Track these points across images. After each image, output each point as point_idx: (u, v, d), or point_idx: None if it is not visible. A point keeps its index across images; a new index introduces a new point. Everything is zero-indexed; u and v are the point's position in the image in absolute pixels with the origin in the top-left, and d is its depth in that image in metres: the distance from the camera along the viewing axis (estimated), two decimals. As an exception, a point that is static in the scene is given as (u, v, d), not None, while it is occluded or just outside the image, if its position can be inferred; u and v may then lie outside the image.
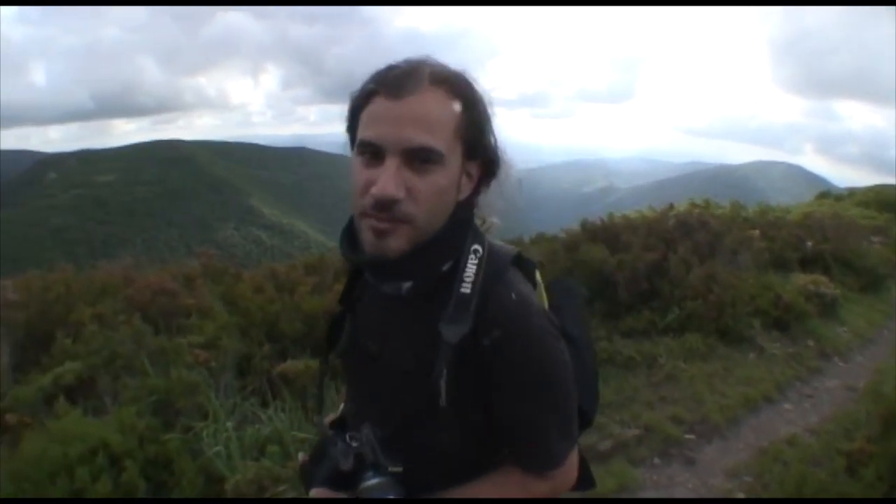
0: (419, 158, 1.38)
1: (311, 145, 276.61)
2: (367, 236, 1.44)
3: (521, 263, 1.59)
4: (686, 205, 14.77)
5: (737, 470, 5.04)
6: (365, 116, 1.45)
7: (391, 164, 1.37)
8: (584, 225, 10.04)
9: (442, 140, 1.39)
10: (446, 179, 1.42)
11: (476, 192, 1.54)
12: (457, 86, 1.45)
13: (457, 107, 1.43)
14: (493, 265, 1.49)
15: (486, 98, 1.51)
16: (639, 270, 8.00)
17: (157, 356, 5.45)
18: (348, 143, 1.53)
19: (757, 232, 11.37)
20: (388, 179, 1.36)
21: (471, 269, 1.47)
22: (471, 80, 1.49)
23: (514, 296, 1.46)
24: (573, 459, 1.58)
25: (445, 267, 1.49)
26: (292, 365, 5.41)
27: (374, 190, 1.37)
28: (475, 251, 1.49)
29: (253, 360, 5.69)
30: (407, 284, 1.49)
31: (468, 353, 1.41)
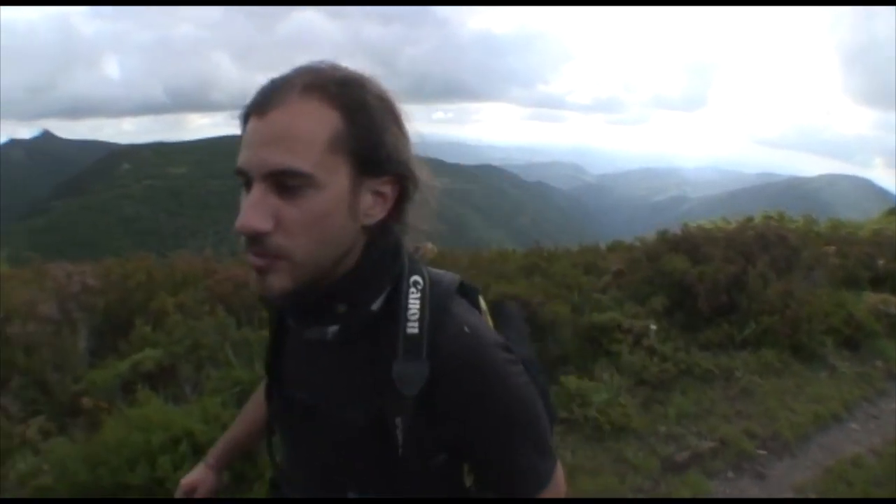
0: (284, 183, 1.21)
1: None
2: (252, 275, 1.31)
3: (465, 291, 1.47)
4: (760, 217, 14.60)
5: (804, 487, 5.04)
6: (242, 141, 1.30)
7: (255, 191, 1.22)
8: (665, 234, 9.96)
9: (309, 158, 1.21)
10: (325, 204, 1.23)
11: (395, 214, 1.35)
12: (337, 92, 1.25)
13: (334, 117, 1.23)
14: (437, 297, 1.35)
15: (388, 103, 1.32)
16: (719, 283, 7.92)
17: (240, 347, 5.56)
18: None
19: (832, 248, 11.29)
20: (248, 209, 1.21)
21: (414, 304, 1.32)
22: (365, 83, 1.29)
23: (466, 329, 1.33)
24: (559, 471, 1.46)
25: (375, 305, 1.34)
26: None
27: (236, 223, 1.23)
28: (415, 283, 1.35)
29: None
30: (332, 329, 1.35)
31: (425, 396, 1.27)
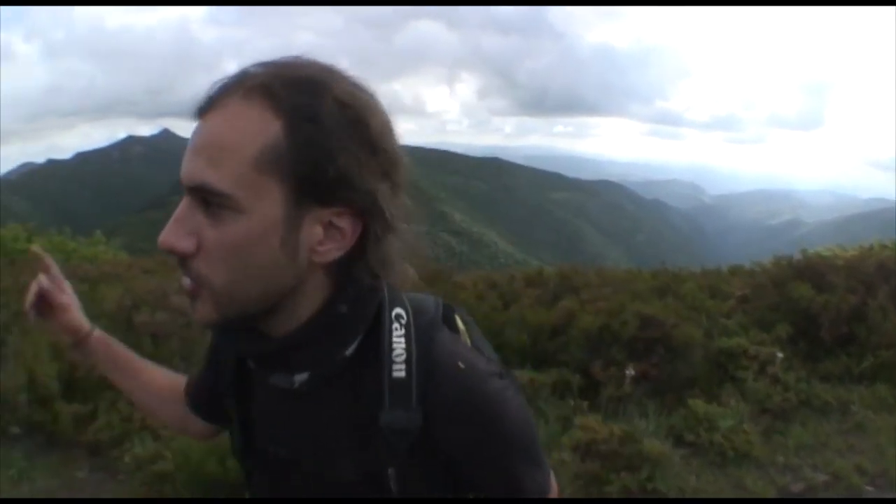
0: (207, 200, 1.03)
1: (505, 157, 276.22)
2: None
3: (444, 314, 1.29)
4: (876, 245, 14.13)
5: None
6: None
7: (182, 205, 1.06)
8: (787, 261, 9.66)
9: (229, 175, 1.01)
10: (246, 231, 1.03)
11: (357, 253, 1.12)
12: (284, 96, 1.02)
13: (273, 127, 1.01)
14: (423, 331, 1.17)
15: (356, 115, 1.06)
16: (842, 313, 7.74)
17: None
18: None
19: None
20: (170, 225, 1.05)
21: (398, 343, 1.14)
22: (330, 87, 1.05)
23: (461, 364, 1.17)
24: (552, 475, 1.34)
25: (349, 350, 1.15)
26: (519, 374, 5.48)
27: (160, 238, 1.06)
28: (397, 317, 1.17)
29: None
30: (300, 377, 1.16)
31: (422, 442, 1.13)
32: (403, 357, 1.12)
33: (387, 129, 1.11)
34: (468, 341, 1.30)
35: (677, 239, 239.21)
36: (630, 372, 5.97)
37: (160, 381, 1.70)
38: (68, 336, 1.64)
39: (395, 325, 1.15)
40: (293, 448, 1.25)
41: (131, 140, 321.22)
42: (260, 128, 1.01)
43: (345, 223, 1.07)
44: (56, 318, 1.61)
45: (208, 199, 1.02)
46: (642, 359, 6.32)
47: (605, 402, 5.79)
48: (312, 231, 1.06)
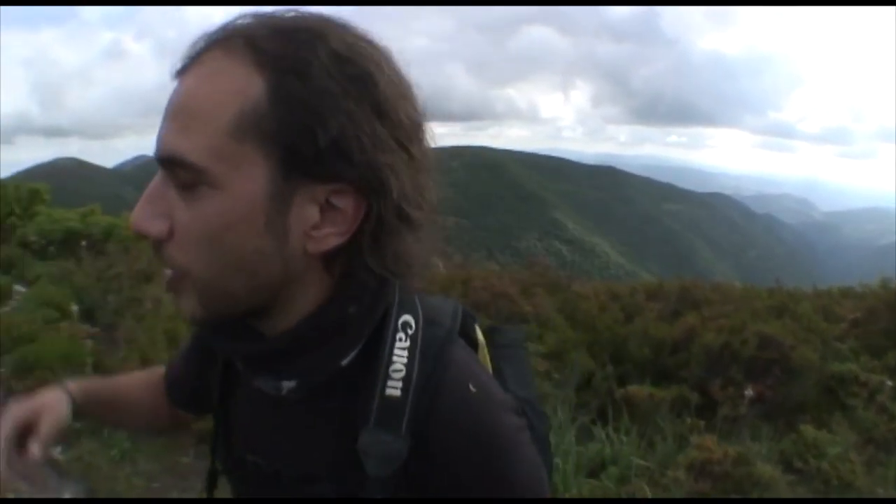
0: (179, 176, 0.86)
1: (619, 165, 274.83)
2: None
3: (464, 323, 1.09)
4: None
5: None
6: None
7: (154, 181, 0.90)
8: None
9: (202, 144, 0.84)
10: (224, 211, 0.86)
11: (363, 243, 0.92)
12: (269, 48, 0.85)
13: (255, 86, 0.84)
14: (433, 345, 0.97)
15: (358, 71, 0.86)
16: None
17: None
18: None
19: None
20: (139, 205, 0.89)
21: (400, 356, 0.94)
22: (325, 36, 0.86)
23: (472, 387, 0.96)
24: None
25: (346, 360, 0.97)
26: (638, 390, 5.34)
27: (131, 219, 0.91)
28: (404, 326, 0.97)
29: (594, 378, 5.64)
30: (289, 384, 0.99)
31: (414, 471, 0.93)
32: (402, 373, 0.93)
33: (401, 92, 0.91)
34: (488, 363, 1.15)
35: (787, 256, 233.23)
36: (749, 393, 5.90)
37: (140, 395, 1.50)
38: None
39: (400, 334, 0.96)
40: (272, 459, 1.07)
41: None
42: (239, 87, 0.84)
43: (345, 203, 0.88)
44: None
45: (180, 174, 0.85)
46: (759, 379, 6.25)
47: (721, 422, 5.66)
48: (305, 212, 0.88)
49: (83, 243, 12.19)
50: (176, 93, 0.87)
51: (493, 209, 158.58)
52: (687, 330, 6.92)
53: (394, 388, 0.92)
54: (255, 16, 0.88)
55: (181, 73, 0.88)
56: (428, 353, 0.95)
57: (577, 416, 5.13)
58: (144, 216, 0.88)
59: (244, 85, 0.83)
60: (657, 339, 6.79)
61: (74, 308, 7.92)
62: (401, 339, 0.95)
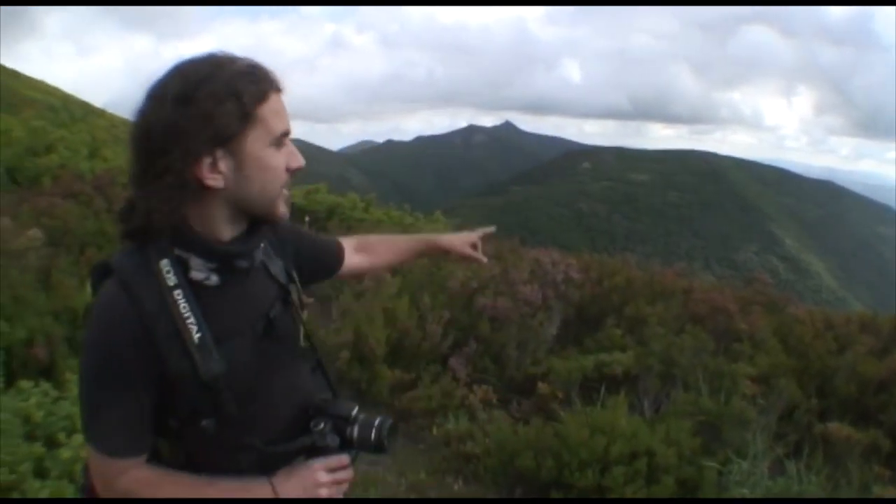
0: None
1: (839, 181, 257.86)
2: (282, 207, 1.59)
3: None
4: None
5: None
6: (268, 112, 1.50)
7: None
8: None
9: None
10: None
11: None
12: None
13: None
14: None
15: None
16: None
17: (712, 376, 5.33)
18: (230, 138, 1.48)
19: None
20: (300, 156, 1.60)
21: None
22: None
23: None
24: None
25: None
26: (838, 428, 5.06)
27: (301, 161, 1.58)
28: None
29: (797, 409, 5.40)
30: (259, 251, 1.65)
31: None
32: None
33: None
34: None
35: None
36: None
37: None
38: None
39: None
40: (264, 320, 1.67)
41: (473, 129, 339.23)
42: None
43: None
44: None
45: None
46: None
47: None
48: None
49: (306, 219, 12.76)
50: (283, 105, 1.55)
51: (714, 217, 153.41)
52: (893, 370, 6.42)
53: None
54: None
55: (280, 90, 1.54)
56: None
57: (774, 447, 4.93)
58: None
59: None
60: (864, 376, 6.31)
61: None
62: None
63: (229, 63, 1.47)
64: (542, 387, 5.45)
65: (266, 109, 1.48)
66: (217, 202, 1.52)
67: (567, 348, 6.54)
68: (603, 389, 5.25)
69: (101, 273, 1.53)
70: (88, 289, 1.59)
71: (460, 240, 2.29)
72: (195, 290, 1.49)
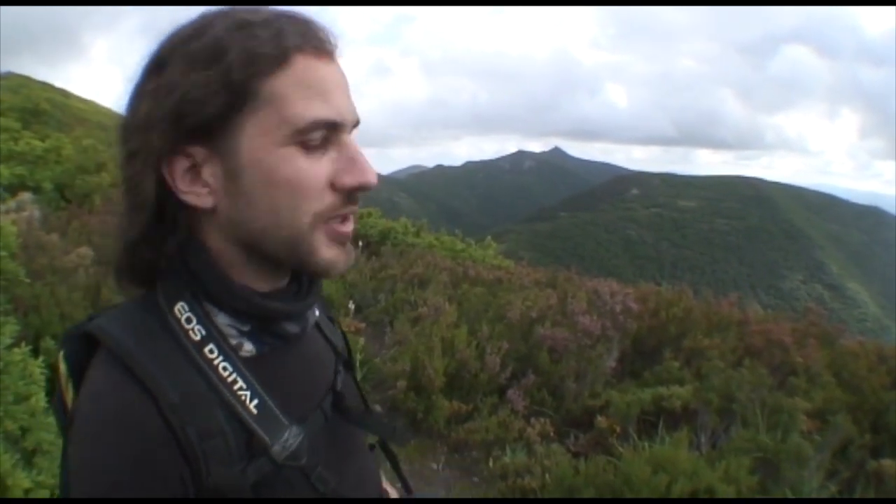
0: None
1: (885, 206, 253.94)
2: (333, 250, 0.97)
3: None
4: None
5: None
6: (287, 85, 0.90)
7: (356, 144, 0.97)
8: None
9: None
10: None
11: None
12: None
13: None
14: None
15: None
16: None
17: (770, 412, 5.27)
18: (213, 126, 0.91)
19: None
20: (370, 166, 0.96)
21: None
22: None
23: None
24: None
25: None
26: (891, 464, 5.01)
27: (366, 177, 0.95)
28: None
29: (851, 445, 5.36)
30: (313, 310, 1.12)
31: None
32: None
33: None
34: None
35: None
36: None
37: None
38: None
39: None
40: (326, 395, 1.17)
41: (522, 154, 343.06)
42: None
43: None
44: None
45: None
46: None
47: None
48: None
49: (360, 244, 12.93)
50: (342, 73, 0.97)
51: (761, 244, 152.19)
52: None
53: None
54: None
55: (333, 57, 0.96)
56: None
57: (827, 484, 4.91)
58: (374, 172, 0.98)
59: None
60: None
61: (351, 305, 8.32)
62: None
63: (241, 13, 0.93)
64: (601, 421, 5.43)
65: (283, 81, 0.90)
66: (216, 235, 0.97)
67: (624, 380, 6.54)
68: (661, 424, 5.25)
69: (82, 350, 0.94)
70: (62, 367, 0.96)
71: None
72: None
